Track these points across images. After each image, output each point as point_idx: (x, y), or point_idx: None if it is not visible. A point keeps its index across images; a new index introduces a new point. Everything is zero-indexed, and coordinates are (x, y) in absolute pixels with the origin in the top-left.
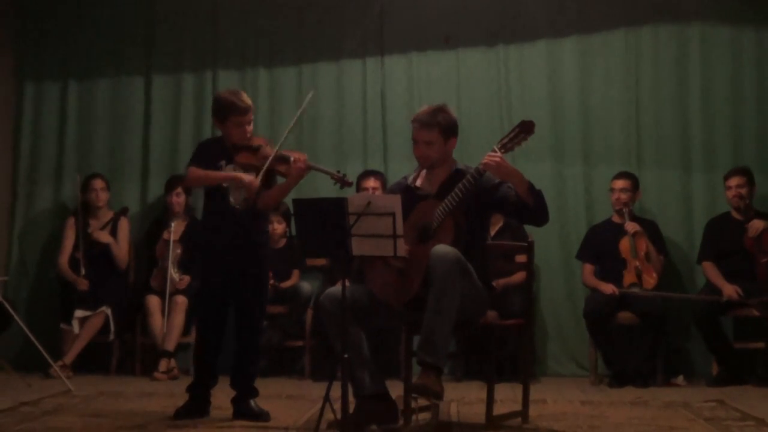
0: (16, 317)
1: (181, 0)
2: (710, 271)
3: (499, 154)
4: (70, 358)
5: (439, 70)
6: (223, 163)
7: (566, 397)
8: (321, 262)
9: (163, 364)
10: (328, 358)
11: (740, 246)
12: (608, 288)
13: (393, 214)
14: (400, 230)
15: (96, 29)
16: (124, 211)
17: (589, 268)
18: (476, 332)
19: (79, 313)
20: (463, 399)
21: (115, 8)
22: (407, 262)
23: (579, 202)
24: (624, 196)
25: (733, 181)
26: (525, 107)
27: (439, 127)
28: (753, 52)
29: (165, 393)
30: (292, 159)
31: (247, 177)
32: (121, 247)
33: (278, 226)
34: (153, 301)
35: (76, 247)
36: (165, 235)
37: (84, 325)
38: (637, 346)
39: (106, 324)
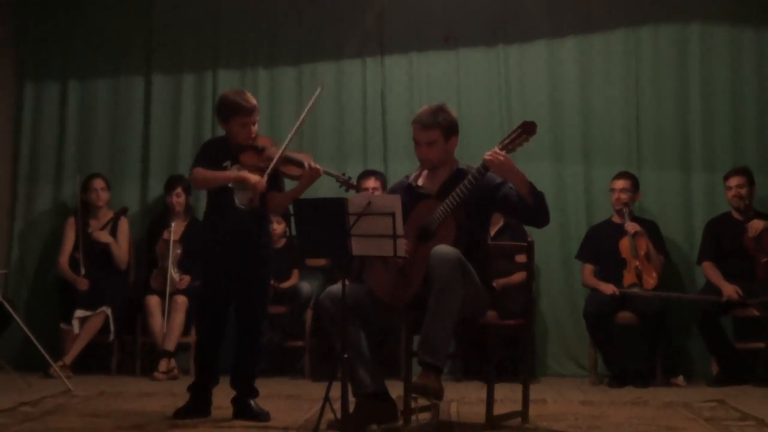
0: (16, 317)
1: (181, 0)
2: (710, 271)
3: (503, 153)
4: (70, 358)
5: (439, 70)
6: (228, 163)
7: (566, 397)
8: (321, 262)
9: (163, 364)
10: (328, 358)
11: (740, 246)
12: (608, 288)
13: (393, 214)
14: (400, 230)
15: (96, 29)
16: (124, 211)
17: (589, 268)
18: (476, 332)
19: (79, 313)
20: (463, 399)
21: (114, 8)
22: (408, 262)
23: (579, 202)
24: (624, 196)
25: (733, 181)
26: (525, 107)
27: (439, 127)
28: (753, 52)
29: (165, 393)
30: (306, 164)
31: (254, 177)
32: (121, 247)
33: (278, 226)
34: (153, 301)
35: (76, 247)
36: (165, 235)
37: (84, 325)
38: (637, 346)
39: (106, 324)
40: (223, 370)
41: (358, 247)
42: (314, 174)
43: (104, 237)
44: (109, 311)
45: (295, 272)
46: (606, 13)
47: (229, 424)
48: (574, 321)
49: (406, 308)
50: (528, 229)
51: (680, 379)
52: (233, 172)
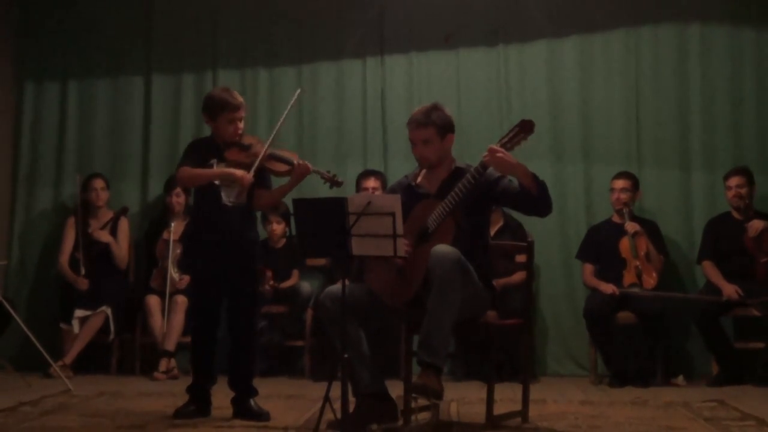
0: (15, 317)
1: (181, 0)
2: (710, 270)
3: (501, 149)
4: (70, 357)
5: (439, 70)
6: (214, 161)
7: (566, 397)
8: (321, 262)
9: (163, 364)
10: (328, 358)
11: (740, 246)
12: (608, 288)
13: (393, 214)
14: (400, 230)
15: (96, 29)
16: (124, 211)
17: (589, 268)
18: (476, 332)
19: (79, 312)
20: (463, 399)
21: (114, 8)
22: (407, 262)
23: (579, 202)
24: (624, 196)
25: (733, 181)
26: (525, 107)
27: (434, 125)
28: (753, 52)
29: (165, 393)
30: (296, 161)
31: (239, 171)
32: (121, 247)
33: (278, 226)
34: (153, 301)
35: (76, 246)
36: (165, 235)
37: (84, 324)
38: (637, 346)
39: (106, 324)
40: (224, 370)
41: (358, 247)
42: (304, 171)
43: (104, 237)
44: (109, 311)
45: (295, 272)
46: (606, 13)
47: (229, 424)
48: (574, 321)
49: (405, 308)
50: (528, 228)
51: (680, 379)
52: (219, 169)
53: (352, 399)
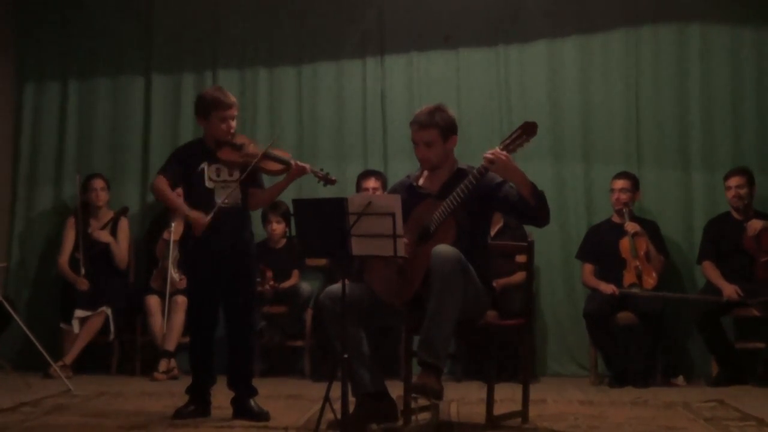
0: (16, 317)
1: (181, 0)
2: (710, 271)
3: (503, 152)
4: (70, 358)
5: (439, 70)
6: (204, 165)
7: (566, 397)
8: (321, 262)
9: (163, 364)
10: (328, 358)
11: (740, 246)
12: (608, 288)
13: (393, 214)
14: (400, 230)
15: (96, 29)
16: (124, 211)
17: (589, 268)
18: (476, 332)
19: (79, 313)
20: (463, 399)
21: (114, 8)
22: (408, 262)
23: (579, 202)
24: (624, 196)
25: (733, 181)
26: (525, 107)
27: (437, 127)
28: (753, 52)
29: (165, 393)
30: (293, 162)
31: (195, 214)
32: (121, 247)
33: (278, 226)
34: (153, 301)
35: (76, 247)
36: (165, 235)
37: (84, 325)
38: (637, 346)
39: (106, 324)
40: (223, 370)
41: (358, 247)
42: (301, 171)
43: (104, 237)
44: (109, 311)
45: (295, 272)
46: (606, 13)
47: (229, 424)
48: (574, 321)
49: (406, 308)
50: (528, 229)
51: (680, 379)
52: (182, 207)
53: (352, 399)
